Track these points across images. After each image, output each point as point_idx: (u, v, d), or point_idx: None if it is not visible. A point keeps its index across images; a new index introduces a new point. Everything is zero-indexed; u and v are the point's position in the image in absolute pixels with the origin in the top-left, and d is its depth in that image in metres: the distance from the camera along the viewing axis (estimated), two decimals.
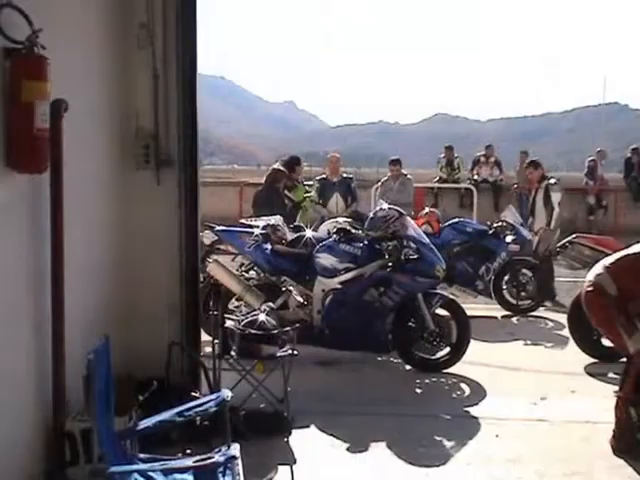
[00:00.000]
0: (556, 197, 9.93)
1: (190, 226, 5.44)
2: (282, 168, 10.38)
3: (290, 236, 7.64)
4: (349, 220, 7.98)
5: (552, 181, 10.25)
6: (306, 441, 5.07)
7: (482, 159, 18.69)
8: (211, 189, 18.25)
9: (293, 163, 10.98)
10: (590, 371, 6.97)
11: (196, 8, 5.38)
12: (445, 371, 6.77)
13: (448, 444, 5.08)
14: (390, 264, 6.77)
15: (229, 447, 3.42)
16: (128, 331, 5.13)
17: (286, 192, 10.43)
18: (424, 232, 7.69)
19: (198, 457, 3.10)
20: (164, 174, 5.32)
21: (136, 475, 3.23)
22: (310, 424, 5.34)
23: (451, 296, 7.21)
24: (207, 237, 7.71)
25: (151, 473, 3.27)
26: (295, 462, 4.74)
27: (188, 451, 3.78)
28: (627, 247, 5.35)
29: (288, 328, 5.39)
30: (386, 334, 6.83)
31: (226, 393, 3.58)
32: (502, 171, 18.55)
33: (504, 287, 9.78)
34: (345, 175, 11.56)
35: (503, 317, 9.64)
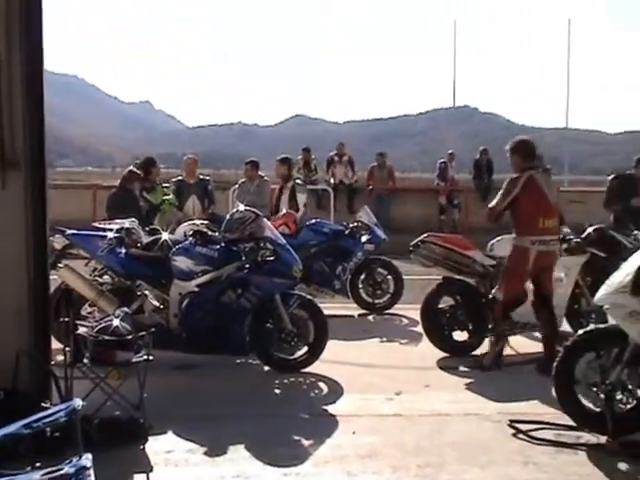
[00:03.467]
0: (301, 198, 10.28)
1: (38, 230, 5.22)
2: (136, 170, 10.18)
3: (145, 239, 7.51)
4: (206, 222, 7.92)
5: (298, 182, 10.66)
6: (163, 447, 4.98)
7: (336, 158, 19.04)
8: (63, 192, 17.67)
9: (148, 165, 10.80)
10: (442, 365, 7.22)
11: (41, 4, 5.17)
12: (303, 371, 6.83)
13: (306, 443, 5.12)
14: (247, 266, 6.77)
15: (80, 457, 3.30)
16: None
17: (144, 194, 10.24)
18: (281, 233, 7.73)
19: (47, 470, 2.99)
20: (9, 177, 5.09)
21: None
22: (168, 430, 5.25)
23: (308, 296, 7.27)
24: (58, 241, 7.45)
25: None
26: (152, 469, 4.64)
27: (38, 464, 3.64)
28: None
29: (143, 333, 5.30)
30: (244, 336, 6.82)
31: (77, 402, 3.46)
32: (354, 171, 18.97)
33: (360, 286, 9.98)
34: (202, 177, 11.46)
35: (360, 316, 9.84)
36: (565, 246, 7.95)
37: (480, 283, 7.68)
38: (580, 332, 5.46)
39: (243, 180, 11.59)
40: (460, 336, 7.60)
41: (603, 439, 5.03)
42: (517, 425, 5.36)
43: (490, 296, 7.22)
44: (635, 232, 8.24)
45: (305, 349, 6.87)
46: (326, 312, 7.15)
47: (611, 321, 5.22)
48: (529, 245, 6.82)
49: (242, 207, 7.21)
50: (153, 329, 5.51)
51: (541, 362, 6.81)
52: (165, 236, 7.49)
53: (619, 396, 5.07)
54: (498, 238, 8.05)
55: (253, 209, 7.19)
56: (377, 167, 18.88)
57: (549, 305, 7.09)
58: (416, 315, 7.94)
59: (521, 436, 5.22)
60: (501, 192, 6.94)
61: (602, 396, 5.05)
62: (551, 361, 5.61)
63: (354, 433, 5.30)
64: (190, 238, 7.05)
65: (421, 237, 7.75)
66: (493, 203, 6.96)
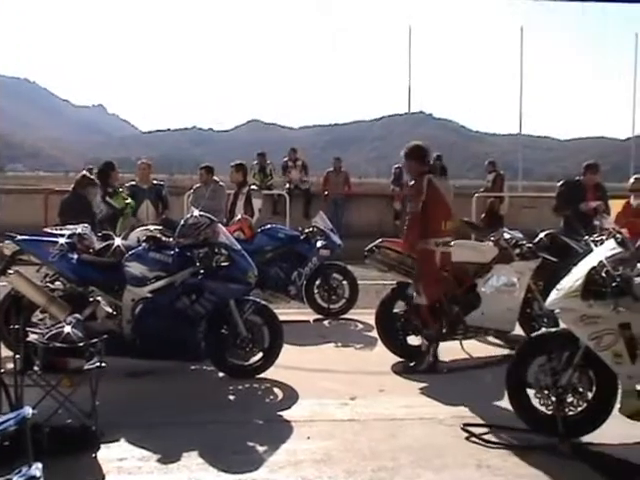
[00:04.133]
0: (257, 203, 10.35)
1: None
2: (89, 175, 10.06)
3: (98, 245, 7.41)
4: (159, 228, 7.84)
5: (254, 187, 10.78)
6: (115, 455, 4.92)
7: (290, 163, 19.09)
8: (14, 197, 17.41)
9: (108, 169, 10.68)
10: (397, 370, 7.26)
11: None
12: (258, 376, 6.80)
13: (261, 449, 5.10)
14: (202, 271, 6.73)
15: (30, 467, 3.25)
16: None
17: (108, 199, 10.14)
18: (236, 238, 7.71)
19: None
20: None
21: None
22: (120, 438, 5.19)
23: (263, 302, 7.25)
24: (7, 247, 7.30)
25: None
26: (104, 478, 4.59)
27: None
28: None
29: (96, 340, 5.23)
30: (199, 342, 6.77)
31: (27, 410, 3.41)
32: (307, 175, 19.04)
33: (316, 291, 10.00)
34: (156, 182, 11.36)
35: (315, 321, 9.84)
36: (517, 251, 8.06)
37: None
38: (532, 336, 5.54)
39: (198, 185, 11.52)
40: (414, 340, 7.64)
41: (554, 441, 5.10)
42: (470, 429, 5.41)
43: (413, 303, 7.31)
44: (585, 237, 8.38)
45: (260, 355, 6.85)
46: (281, 317, 7.14)
47: (562, 325, 5.30)
48: (434, 247, 7.05)
49: (197, 212, 7.17)
50: (106, 336, 5.45)
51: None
52: (118, 242, 7.40)
53: (570, 399, 5.15)
54: (452, 243, 8.12)
55: (208, 214, 7.16)
56: (333, 172, 18.92)
57: (435, 311, 7.27)
58: (371, 320, 7.97)
59: (474, 439, 5.27)
60: (410, 197, 7.22)
61: (553, 399, 5.13)
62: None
63: (309, 438, 5.30)
64: (143, 244, 6.98)
65: (376, 242, 7.80)
66: (412, 209, 7.07)
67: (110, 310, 6.91)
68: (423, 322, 7.23)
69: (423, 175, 7.04)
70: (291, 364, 7.03)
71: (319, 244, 9.94)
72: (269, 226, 10.11)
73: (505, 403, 5.47)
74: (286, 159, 19.38)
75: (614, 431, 5.12)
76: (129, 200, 10.51)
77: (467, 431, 5.38)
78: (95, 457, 4.87)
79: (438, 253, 7.08)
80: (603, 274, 5.00)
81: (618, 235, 5.37)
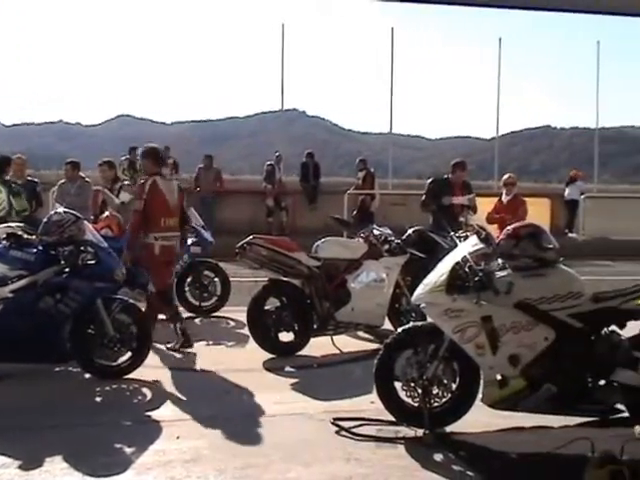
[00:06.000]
0: (124, 195, 10.31)
1: None
2: None
3: None
4: (22, 225, 7.54)
5: (126, 182, 10.85)
6: None
7: None
8: None
9: (2, 164, 10.20)
10: (268, 366, 7.27)
11: None
12: (127, 377, 6.66)
13: (128, 450, 4.99)
14: (67, 270, 6.52)
15: None
16: None
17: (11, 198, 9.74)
18: (104, 236, 7.52)
19: None
20: None
21: None
22: None
23: (132, 301, 7.10)
24: None
25: None
26: None
27: None
28: None
29: None
30: (64, 343, 6.56)
31: None
32: (178, 172, 18.83)
33: (187, 289, 9.87)
34: (30, 178, 10.97)
35: (187, 319, 9.70)
36: (386, 247, 8.24)
37: (305, 284, 7.81)
38: (399, 330, 5.66)
39: (63, 181, 11.17)
40: (286, 337, 7.68)
41: (420, 432, 5.23)
42: (340, 423, 5.46)
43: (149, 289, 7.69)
44: (451, 233, 8.64)
45: (128, 354, 6.70)
46: None
47: (429, 319, 5.44)
48: (153, 240, 7.61)
49: (61, 209, 6.97)
50: None
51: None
52: None
53: (435, 390, 5.28)
54: (323, 240, 8.22)
55: (73, 211, 6.95)
56: (204, 169, 18.77)
57: (166, 297, 7.84)
58: (243, 317, 7.95)
59: (344, 433, 5.33)
60: (136, 195, 7.84)
61: (420, 391, 5.25)
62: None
63: (178, 438, 5.22)
64: (4, 241, 6.70)
65: (247, 239, 7.78)
66: (135, 207, 7.69)
67: None
68: (155, 307, 7.75)
69: (152, 176, 7.69)
70: (160, 363, 6.94)
71: (190, 241, 9.81)
72: None
73: (374, 397, 5.56)
74: None
75: (477, 420, 5.31)
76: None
77: (337, 425, 5.44)
78: None
79: (157, 246, 7.63)
80: (466, 269, 5.18)
81: (481, 231, 5.54)
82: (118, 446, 5.07)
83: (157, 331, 6.91)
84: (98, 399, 6.27)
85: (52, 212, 7.00)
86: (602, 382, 5.10)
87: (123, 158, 18.12)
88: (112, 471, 4.61)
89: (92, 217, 9.76)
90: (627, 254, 16.61)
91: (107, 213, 9.77)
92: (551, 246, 5.27)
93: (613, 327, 5.15)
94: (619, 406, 5.10)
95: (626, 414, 5.10)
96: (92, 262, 6.62)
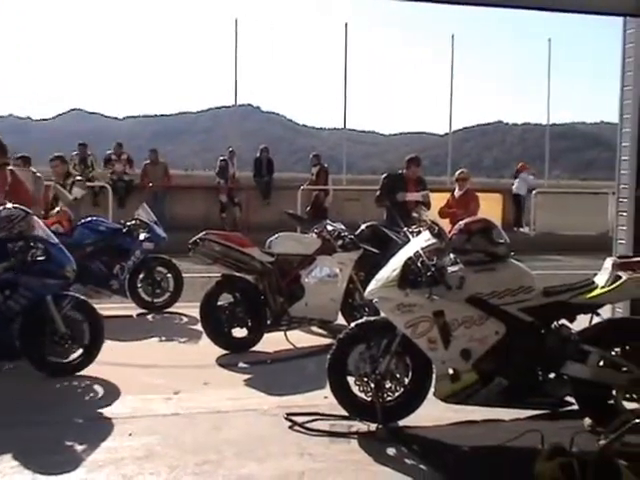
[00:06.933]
0: (76, 191, 10.22)
1: None
2: None
3: None
4: None
5: (79, 178, 10.75)
6: None
7: (114, 157, 18.70)
8: None
9: None
10: (221, 362, 7.26)
11: None
12: (79, 374, 6.58)
13: (79, 448, 4.93)
14: (16, 266, 6.42)
15: None
16: None
17: None
18: (55, 232, 7.42)
19: None
20: None
21: None
22: None
23: (83, 297, 7.01)
24: None
25: None
26: None
27: None
28: None
29: None
30: (13, 340, 6.46)
31: None
32: (132, 167, 18.74)
33: (139, 285, 9.80)
34: None
35: (139, 315, 9.65)
36: (340, 242, 8.27)
37: (259, 280, 7.80)
38: (352, 325, 5.69)
39: None
40: (239, 333, 7.66)
41: (373, 427, 5.26)
42: (293, 418, 5.47)
43: None
44: (405, 228, 8.70)
45: (80, 351, 6.63)
46: (103, 312, 6.98)
47: (382, 314, 5.48)
48: None
49: (10, 205, 6.83)
50: None
51: None
52: None
53: (388, 385, 5.32)
54: (276, 235, 8.22)
55: (22, 207, 6.83)
56: (150, 164, 18.67)
57: None
58: (196, 313, 7.91)
59: (297, 428, 5.34)
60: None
61: (372, 385, 5.28)
62: None
63: (131, 435, 5.18)
64: None
65: (200, 235, 7.74)
66: None
67: None
68: None
69: (2, 167, 7.68)
70: (113, 360, 6.85)
71: (142, 237, 9.76)
72: (89, 219, 9.79)
73: (328, 392, 5.58)
74: (110, 152, 18.98)
75: (429, 414, 5.36)
76: None
77: (290, 420, 5.45)
78: None
79: None
80: (419, 264, 5.22)
81: (434, 226, 5.59)
82: (69, 444, 5.01)
83: (109, 327, 6.82)
84: (49, 397, 6.17)
85: (1, 207, 6.87)
86: (552, 375, 5.20)
87: (74, 153, 17.95)
88: (64, 469, 4.55)
89: (42, 212, 9.61)
90: (577, 249, 16.91)
91: (58, 209, 9.65)
92: (502, 241, 5.34)
93: (563, 321, 5.25)
94: (569, 399, 5.21)
95: (576, 407, 5.22)
96: (42, 258, 6.53)
